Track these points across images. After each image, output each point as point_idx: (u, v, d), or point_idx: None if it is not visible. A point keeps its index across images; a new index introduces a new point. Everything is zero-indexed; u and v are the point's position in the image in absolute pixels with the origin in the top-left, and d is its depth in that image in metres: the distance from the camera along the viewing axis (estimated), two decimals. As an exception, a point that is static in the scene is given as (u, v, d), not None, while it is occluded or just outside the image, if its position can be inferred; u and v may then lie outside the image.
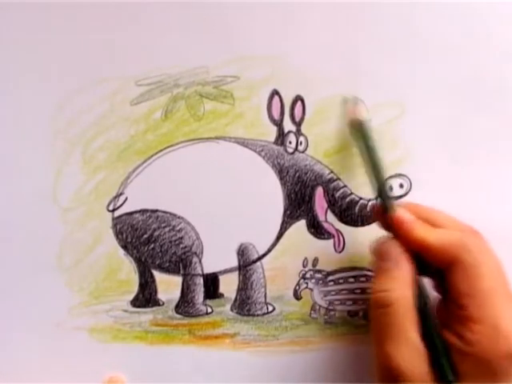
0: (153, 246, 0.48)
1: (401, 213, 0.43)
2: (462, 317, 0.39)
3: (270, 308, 0.49)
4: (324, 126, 0.48)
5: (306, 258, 0.48)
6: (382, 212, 0.44)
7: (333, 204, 0.49)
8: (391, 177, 0.48)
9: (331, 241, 0.49)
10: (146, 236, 0.48)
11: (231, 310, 0.49)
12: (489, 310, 0.39)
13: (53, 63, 0.46)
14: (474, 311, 0.39)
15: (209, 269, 0.48)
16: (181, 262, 0.48)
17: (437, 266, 0.41)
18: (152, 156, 0.47)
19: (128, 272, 0.48)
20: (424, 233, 0.42)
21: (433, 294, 0.43)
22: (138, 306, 0.48)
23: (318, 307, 0.49)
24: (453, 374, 0.39)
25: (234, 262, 0.48)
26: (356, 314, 0.49)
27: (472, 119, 0.48)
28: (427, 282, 0.43)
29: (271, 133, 0.48)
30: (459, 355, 0.39)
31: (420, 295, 0.41)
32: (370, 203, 0.48)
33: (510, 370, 0.38)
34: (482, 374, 0.38)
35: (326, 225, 0.49)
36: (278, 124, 0.48)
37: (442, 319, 0.41)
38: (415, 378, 0.38)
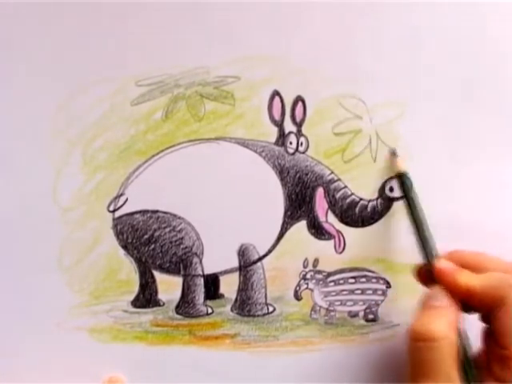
0: (153, 246, 0.48)
1: (442, 264, 0.43)
2: (505, 357, 0.39)
3: (271, 308, 0.49)
4: (325, 126, 0.48)
5: (306, 259, 0.49)
6: (424, 271, 0.45)
7: (333, 205, 0.49)
8: (392, 177, 0.48)
9: (332, 241, 0.49)
10: (146, 236, 0.48)
11: (231, 310, 0.49)
12: None
13: (53, 63, 0.46)
14: None
15: (209, 269, 0.48)
16: (181, 262, 0.48)
17: (483, 310, 0.41)
18: (152, 156, 0.47)
19: (128, 272, 0.48)
20: (467, 280, 0.41)
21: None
22: (139, 307, 0.48)
23: (318, 308, 0.49)
24: None
25: (235, 263, 0.48)
26: (356, 314, 0.49)
27: (472, 119, 0.48)
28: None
29: (272, 133, 0.48)
30: None
31: (462, 342, 0.42)
32: (370, 204, 0.48)
33: None
34: None
35: (326, 225, 0.49)
36: (279, 125, 0.48)
37: (485, 365, 0.41)
38: None
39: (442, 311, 0.41)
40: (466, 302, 0.42)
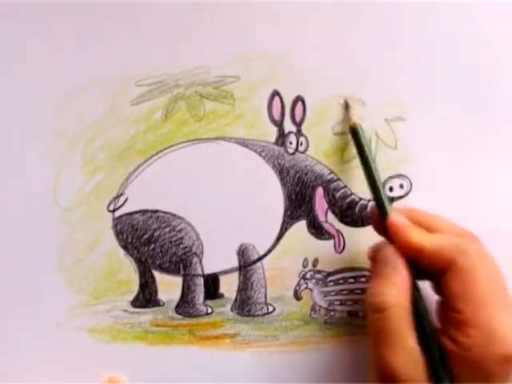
0: (153, 246, 0.48)
1: (395, 217, 0.43)
2: (457, 321, 0.39)
3: (270, 308, 0.49)
4: (324, 126, 0.48)
5: (306, 259, 0.49)
6: (378, 216, 0.44)
7: (333, 204, 0.49)
8: (391, 177, 0.48)
9: (331, 241, 0.49)
10: (146, 236, 0.48)
11: (231, 310, 0.49)
12: (484, 314, 0.38)
13: (53, 63, 0.46)
14: (468, 315, 0.38)
15: (209, 269, 0.48)
16: (181, 262, 0.48)
17: (433, 270, 0.41)
18: (152, 156, 0.47)
19: (128, 272, 0.48)
20: (419, 238, 0.41)
21: (431, 298, 0.43)
22: (138, 307, 0.48)
23: (318, 307, 0.49)
24: (449, 378, 0.39)
25: (235, 263, 0.48)
26: (356, 314, 0.49)
27: (472, 120, 0.48)
28: (426, 286, 0.43)
29: (272, 133, 0.48)
30: (455, 359, 0.39)
31: (416, 300, 0.41)
32: (370, 204, 0.48)
33: (505, 373, 0.38)
34: (478, 378, 0.38)
35: (326, 225, 0.49)
36: (279, 124, 0.48)
37: (440, 323, 0.41)
38: (411, 383, 0.38)
39: (391, 278, 0.41)
40: (417, 261, 0.41)
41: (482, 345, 0.38)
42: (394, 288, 0.40)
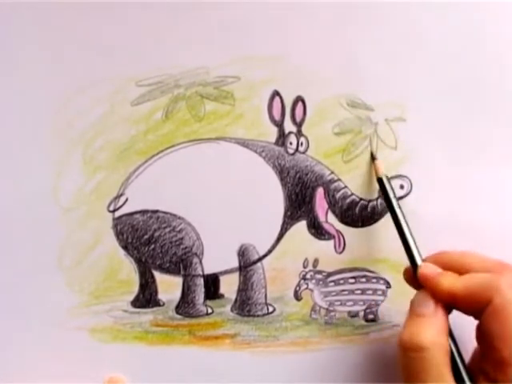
0: (153, 246, 0.48)
1: (424, 269, 0.43)
2: (496, 360, 0.39)
3: (271, 309, 0.49)
4: (325, 126, 0.48)
5: (306, 259, 0.49)
6: (411, 270, 0.44)
7: (333, 205, 0.49)
8: (391, 177, 0.48)
9: (332, 241, 0.49)
10: (146, 236, 0.48)
11: (231, 310, 0.49)
12: None
13: (53, 63, 0.46)
14: (507, 353, 0.38)
15: (209, 269, 0.48)
16: (181, 262, 0.48)
17: (470, 312, 0.41)
18: (152, 156, 0.47)
19: (128, 272, 0.48)
20: (449, 284, 0.41)
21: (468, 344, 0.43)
22: (139, 307, 0.48)
23: (318, 308, 0.49)
24: None
25: (235, 263, 0.48)
26: (356, 314, 0.49)
27: (472, 120, 0.48)
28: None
29: (272, 133, 0.48)
30: None
31: (453, 345, 0.42)
32: (370, 204, 0.48)
33: None
34: None
35: (326, 225, 0.49)
36: (279, 125, 0.48)
37: (479, 365, 0.41)
38: None
39: (428, 319, 0.41)
40: (452, 305, 0.41)
41: None
42: (434, 328, 0.40)
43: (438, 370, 0.39)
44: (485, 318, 0.40)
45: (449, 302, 0.41)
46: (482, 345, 0.41)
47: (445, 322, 0.41)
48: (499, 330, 0.39)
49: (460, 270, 0.42)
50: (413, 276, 0.44)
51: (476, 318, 0.41)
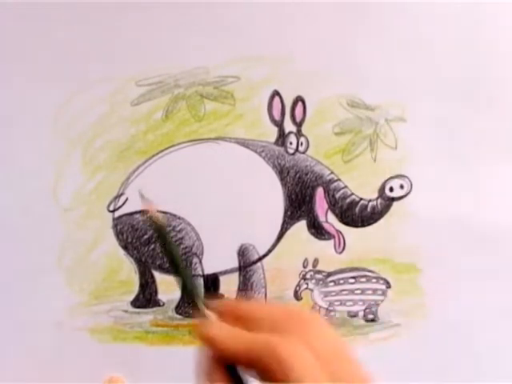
0: (153, 246, 0.48)
1: (208, 328, 0.37)
2: None
3: (271, 308, 0.49)
4: (324, 126, 0.48)
5: (306, 259, 0.49)
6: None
7: (333, 204, 0.49)
8: (391, 177, 0.48)
9: (331, 241, 0.49)
10: (146, 236, 0.48)
11: (231, 310, 0.49)
12: None
13: (53, 64, 0.46)
14: None
15: (209, 269, 0.48)
16: (181, 262, 0.48)
17: (254, 372, 0.39)
18: (153, 156, 0.47)
19: (128, 272, 0.48)
20: (232, 344, 0.36)
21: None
22: (139, 307, 0.48)
23: (318, 308, 0.49)
24: None
25: (235, 263, 0.48)
26: (356, 314, 0.49)
27: (472, 120, 0.48)
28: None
29: (272, 133, 0.48)
30: None
31: None
32: (370, 204, 0.48)
33: None
34: None
35: (326, 225, 0.49)
36: (279, 125, 0.48)
37: None
38: None
39: None
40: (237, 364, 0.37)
41: None
42: None
43: None
44: (264, 380, 0.36)
45: (231, 362, 0.37)
46: None
47: None
48: None
49: (248, 325, 0.37)
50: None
51: None
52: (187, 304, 0.48)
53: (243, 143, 0.48)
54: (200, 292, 0.43)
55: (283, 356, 0.36)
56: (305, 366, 0.36)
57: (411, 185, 0.48)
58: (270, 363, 0.36)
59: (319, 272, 0.49)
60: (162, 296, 0.49)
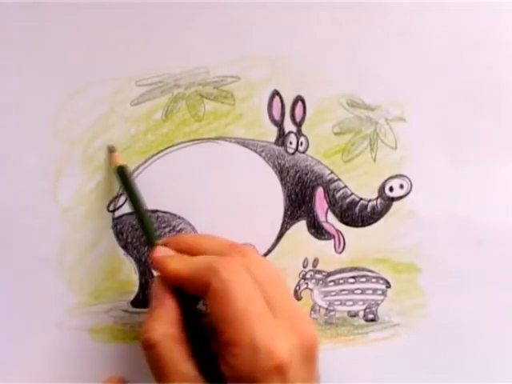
0: (153, 246, 0.48)
1: (156, 252, 0.42)
2: (222, 342, 0.37)
3: (271, 308, 0.49)
4: (324, 126, 0.48)
5: (306, 259, 0.49)
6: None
7: (333, 204, 0.49)
8: (391, 177, 0.48)
9: (331, 241, 0.49)
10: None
11: (231, 310, 0.49)
12: (245, 331, 0.36)
13: (53, 63, 0.46)
14: (230, 335, 0.37)
15: (209, 269, 0.48)
16: (181, 262, 0.48)
17: (198, 295, 0.40)
18: (152, 156, 0.47)
19: (128, 272, 0.48)
20: (175, 266, 0.40)
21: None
22: (138, 307, 0.48)
23: (318, 308, 0.49)
24: None
25: (235, 263, 0.48)
26: (356, 314, 0.49)
27: (472, 120, 0.48)
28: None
29: (272, 133, 0.48)
30: (230, 380, 0.37)
31: (195, 327, 0.41)
32: (370, 203, 0.48)
33: (276, 382, 0.36)
34: None
35: (326, 225, 0.49)
36: (279, 124, 0.48)
37: (216, 348, 0.39)
38: None
39: (156, 312, 0.40)
40: (184, 289, 0.40)
41: (249, 361, 0.36)
42: (160, 322, 0.39)
43: (173, 362, 0.38)
44: (207, 301, 0.39)
45: (178, 285, 0.40)
46: (213, 327, 0.40)
47: (174, 311, 0.40)
48: (219, 313, 0.37)
49: (194, 253, 0.41)
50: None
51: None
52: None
53: (243, 143, 0.48)
54: (154, 229, 0.45)
55: (223, 275, 0.38)
56: (243, 285, 0.39)
57: (411, 185, 0.48)
58: (210, 282, 0.38)
59: (319, 272, 0.49)
60: (161, 296, 0.49)
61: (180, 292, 0.41)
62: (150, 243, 0.44)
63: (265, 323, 0.37)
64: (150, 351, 0.39)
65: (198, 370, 0.39)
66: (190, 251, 0.42)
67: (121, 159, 0.46)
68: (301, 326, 0.38)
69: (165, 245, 0.43)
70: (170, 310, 0.40)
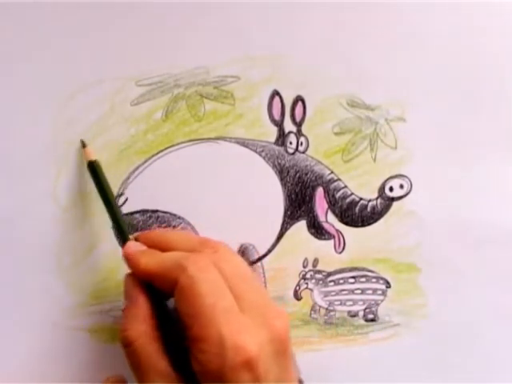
0: (153, 246, 0.48)
1: (127, 248, 0.42)
2: (191, 338, 0.37)
3: (271, 308, 0.49)
4: (324, 126, 0.48)
5: (306, 259, 0.49)
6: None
7: (333, 204, 0.49)
8: (391, 177, 0.48)
9: (331, 241, 0.49)
10: (146, 236, 0.48)
11: (231, 310, 0.49)
12: (212, 326, 0.36)
13: (53, 63, 0.46)
14: (198, 331, 0.37)
15: (209, 269, 0.48)
16: (181, 262, 0.48)
17: (167, 292, 0.40)
18: (152, 156, 0.47)
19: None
20: (145, 262, 0.40)
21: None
22: (138, 307, 0.48)
23: (318, 308, 0.49)
24: None
25: (235, 263, 0.48)
26: (356, 314, 0.49)
27: (472, 120, 0.48)
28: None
29: (272, 133, 0.48)
30: (201, 377, 0.37)
31: (168, 322, 0.41)
32: (370, 203, 0.48)
33: (250, 377, 0.36)
34: None
35: (326, 225, 0.49)
36: (279, 124, 0.48)
37: (187, 345, 0.39)
38: None
39: (131, 311, 0.40)
40: (154, 285, 0.40)
41: (217, 357, 0.36)
42: (135, 320, 0.40)
43: (149, 360, 0.38)
44: (175, 297, 0.39)
45: (148, 281, 0.41)
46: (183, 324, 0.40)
47: (146, 308, 0.40)
48: (186, 309, 0.38)
49: (165, 249, 0.41)
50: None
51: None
52: None
53: (243, 143, 0.48)
54: (125, 224, 0.45)
55: (191, 271, 0.38)
56: (211, 281, 0.39)
57: (411, 185, 0.48)
58: (178, 279, 0.38)
59: (319, 272, 0.49)
60: (161, 296, 0.49)
61: (152, 288, 0.41)
62: (122, 238, 0.44)
63: (232, 318, 0.37)
64: (128, 349, 0.39)
65: (173, 366, 0.39)
66: (161, 247, 0.42)
67: (92, 154, 0.46)
68: (272, 320, 0.38)
69: (137, 240, 0.43)
70: (143, 308, 0.40)
